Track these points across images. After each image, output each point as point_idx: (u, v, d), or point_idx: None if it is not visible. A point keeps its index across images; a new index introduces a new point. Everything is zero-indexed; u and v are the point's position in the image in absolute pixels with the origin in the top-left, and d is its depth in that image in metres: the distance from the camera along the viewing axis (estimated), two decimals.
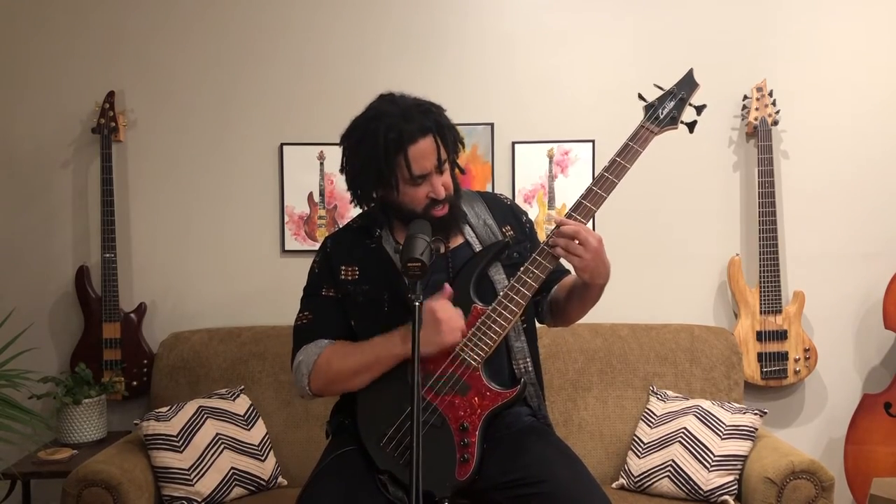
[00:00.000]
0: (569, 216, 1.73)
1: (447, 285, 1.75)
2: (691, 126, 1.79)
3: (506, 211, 1.96)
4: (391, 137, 1.70)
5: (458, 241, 1.88)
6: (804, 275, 3.03)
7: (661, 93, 1.81)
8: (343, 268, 1.85)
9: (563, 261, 1.76)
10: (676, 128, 1.79)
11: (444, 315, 1.69)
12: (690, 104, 1.79)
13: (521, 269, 1.74)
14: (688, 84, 1.80)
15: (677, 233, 3.05)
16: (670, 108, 1.78)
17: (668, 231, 3.05)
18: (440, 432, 1.72)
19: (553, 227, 1.73)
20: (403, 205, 1.78)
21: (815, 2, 3.03)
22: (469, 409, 1.73)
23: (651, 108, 1.79)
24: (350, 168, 1.80)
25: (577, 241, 1.68)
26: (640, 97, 1.81)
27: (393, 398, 1.73)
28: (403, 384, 1.69)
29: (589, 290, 1.81)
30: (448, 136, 1.76)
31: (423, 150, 1.71)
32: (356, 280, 1.84)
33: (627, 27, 3.03)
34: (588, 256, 1.69)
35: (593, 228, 2.98)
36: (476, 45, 3.04)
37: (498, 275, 1.83)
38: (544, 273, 1.73)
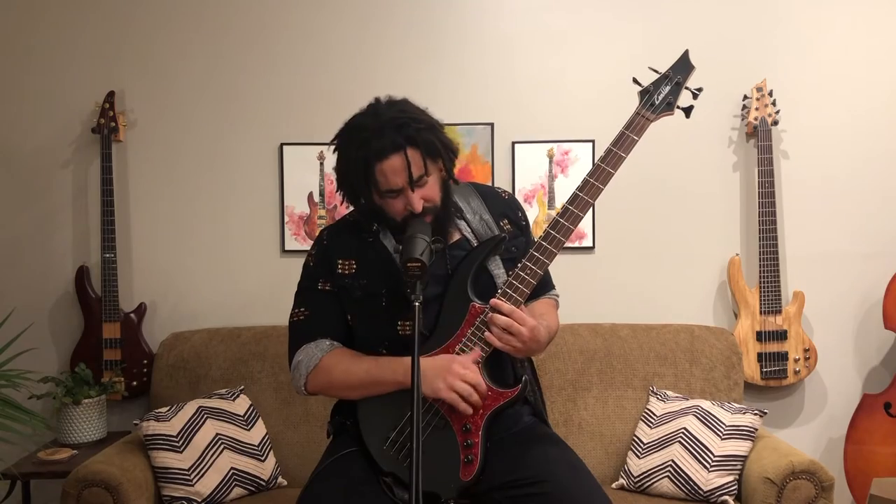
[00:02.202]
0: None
1: (477, 349, 1.71)
2: (688, 111, 1.74)
3: (502, 205, 1.94)
4: (360, 155, 1.69)
5: (455, 236, 1.86)
6: (804, 275, 3.03)
7: (656, 77, 1.75)
8: (340, 262, 1.84)
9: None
10: (672, 113, 1.74)
11: (457, 369, 1.66)
12: (687, 88, 1.74)
13: (519, 265, 1.73)
14: (683, 67, 1.74)
15: (677, 233, 3.05)
16: (666, 93, 1.73)
17: (668, 231, 3.05)
18: (443, 434, 1.72)
19: (489, 308, 1.70)
20: (383, 212, 1.78)
21: (816, 2, 3.03)
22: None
23: (646, 94, 1.74)
24: (335, 172, 1.81)
25: (510, 332, 1.68)
26: (635, 81, 1.76)
27: (395, 400, 1.72)
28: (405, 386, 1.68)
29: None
30: (426, 150, 1.71)
31: (393, 167, 1.68)
32: (353, 274, 1.82)
33: (627, 27, 3.03)
34: (519, 345, 1.69)
35: (592, 225, 3.01)
36: (476, 45, 3.04)
37: (497, 269, 1.82)
38: (542, 269, 1.72)
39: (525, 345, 1.69)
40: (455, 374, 1.66)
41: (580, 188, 1.74)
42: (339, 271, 1.84)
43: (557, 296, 2.04)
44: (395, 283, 1.76)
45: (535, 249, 1.73)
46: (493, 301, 1.70)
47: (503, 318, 1.68)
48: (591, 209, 1.80)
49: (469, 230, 1.87)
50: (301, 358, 1.82)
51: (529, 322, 1.69)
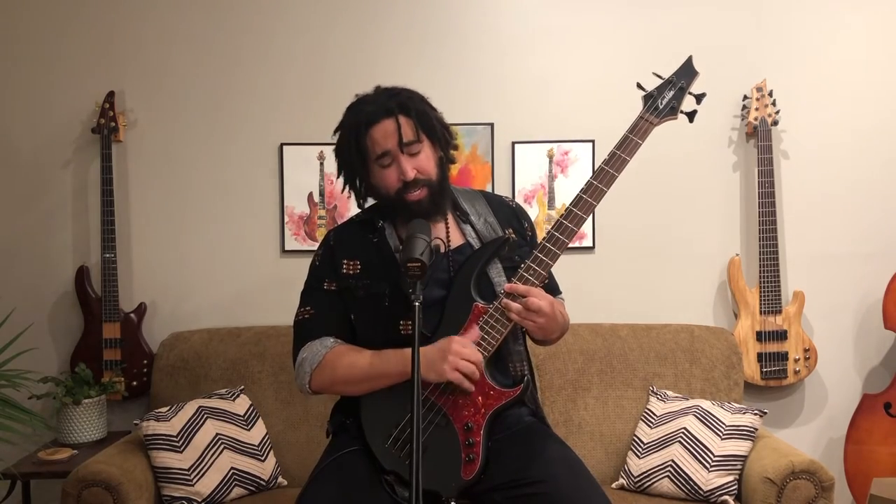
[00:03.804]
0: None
1: (476, 327, 1.73)
2: (691, 116, 1.78)
3: (509, 213, 1.96)
4: (353, 121, 1.77)
5: (460, 240, 1.88)
6: (804, 275, 3.03)
7: (660, 82, 1.78)
8: (345, 262, 1.85)
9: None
10: (676, 118, 1.77)
11: (457, 348, 1.68)
12: (690, 93, 1.77)
13: (523, 266, 1.74)
14: (687, 72, 1.78)
15: (677, 233, 3.05)
16: (669, 97, 1.76)
17: (668, 231, 3.05)
18: (445, 432, 1.72)
19: (503, 293, 1.73)
20: (379, 189, 1.82)
21: (816, 2, 3.03)
22: (473, 408, 1.73)
23: (650, 99, 1.77)
24: (335, 155, 1.87)
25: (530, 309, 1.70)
26: (639, 86, 1.79)
27: (397, 398, 1.73)
28: (407, 384, 1.68)
29: (545, 340, 1.89)
30: (417, 120, 1.77)
31: (385, 131, 1.75)
32: (357, 274, 1.84)
33: (627, 27, 3.03)
34: (542, 321, 1.72)
35: (592, 226, 3.02)
36: (476, 44, 3.04)
37: (499, 276, 1.82)
38: (546, 270, 1.74)
39: (546, 320, 1.72)
40: (456, 353, 1.68)
41: (584, 191, 1.76)
42: (344, 271, 1.85)
43: (564, 300, 2.05)
44: (398, 283, 1.78)
45: (539, 251, 1.74)
46: (508, 286, 1.73)
47: (523, 298, 1.71)
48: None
49: (474, 234, 1.88)
50: (305, 355, 1.82)
51: (548, 297, 1.73)
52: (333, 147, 1.86)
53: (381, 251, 1.84)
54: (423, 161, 1.78)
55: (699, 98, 1.77)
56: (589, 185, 1.75)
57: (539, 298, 1.70)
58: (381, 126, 1.75)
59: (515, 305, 1.70)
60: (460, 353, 1.68)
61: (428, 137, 1.80)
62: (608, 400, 2.74)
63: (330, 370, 1.79)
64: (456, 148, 1.90)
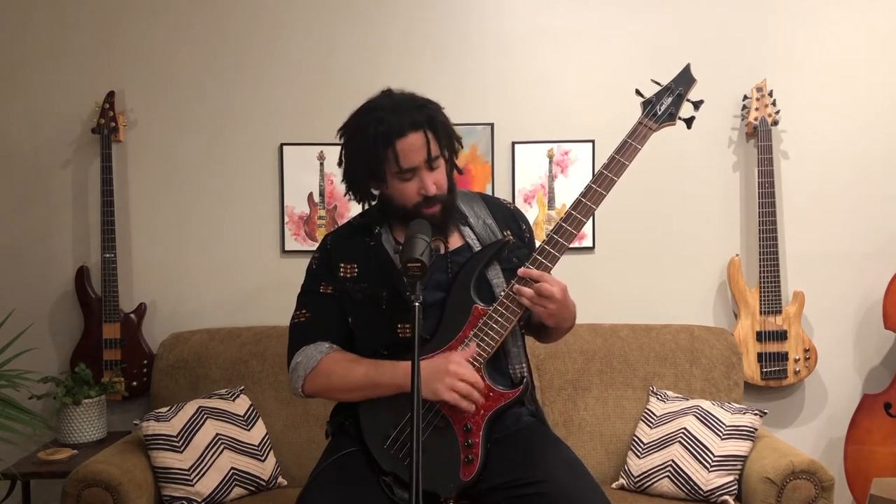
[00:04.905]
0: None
1: (474, 344, 1.72)
2: (689, 122, 1.80)
3: (507, 215, 1.96)
4: (380, 130, 1.70)
5: (458, 242, 1.87)
6: (804, 275, 3.03)
7: (659, 88, 1.80)
8: (342, 265, 1.85)
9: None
10: (674, 124, 1.79)
11: (455, 369, 1.67)
12: (688, 100, 1.79)
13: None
14: (685, 79, 1.80)
15: (677, 233, 3.05)
16: (668, 104, 1.78)
17: (668, 231, 3.05)
18: (444, 433, 1.72)
19: (517, 278, 1.73)
20: (395, 200, 1.79)
21: (816, 2, 3.03)
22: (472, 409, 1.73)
23: (649, 105, 1.79)
24: (344, 160, 1.82)
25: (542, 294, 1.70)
26: (638, 93, 1.81)
27: (396, 399, 1.73)
28: None
29: (556, 330, 1.89)
30: (442, 134, 1.75)
31: (412, 144, 1.71)
32: (355, 277, 1.84)
33: (627, 27, 3.02)
34: (553, 307, 1.72)
35: (593, 226, 3.02)
36: (476, 45, 3.04)
37: (497, 278, 1.82)
38: (546, 272, 1.74)
39: (558, 306, 1.72)
40: (453, 374, 1.67)
41: (583, 194, 1.76)
42: (341, 274, 1.85)
43: None
44: (396, 286, 1.78)
45: (538, 253, 1.75)
46: (522, 269, 1.72)
47: (545, 286, 1.70)
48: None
49: (473, 236, 1.88)
50: (300, 359, 1.82)
51: (560, 283, 1.73)
52: (344, 149, 1.81)
53: (378, 254, 1.84)
54: (440, 176, 1.77)
55: (697, 105, 1.79)
56: (588, 188, 1.76)
57: (551, 284, 1.70)
58: (409, 140, 1.70)
59: (527, 291, 1.70)
60: (458, 374, 1.67)
61: (443, 150, 1.78)
62: (608, 400, 2.74)
63: (324, 377, 1.79)
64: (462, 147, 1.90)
